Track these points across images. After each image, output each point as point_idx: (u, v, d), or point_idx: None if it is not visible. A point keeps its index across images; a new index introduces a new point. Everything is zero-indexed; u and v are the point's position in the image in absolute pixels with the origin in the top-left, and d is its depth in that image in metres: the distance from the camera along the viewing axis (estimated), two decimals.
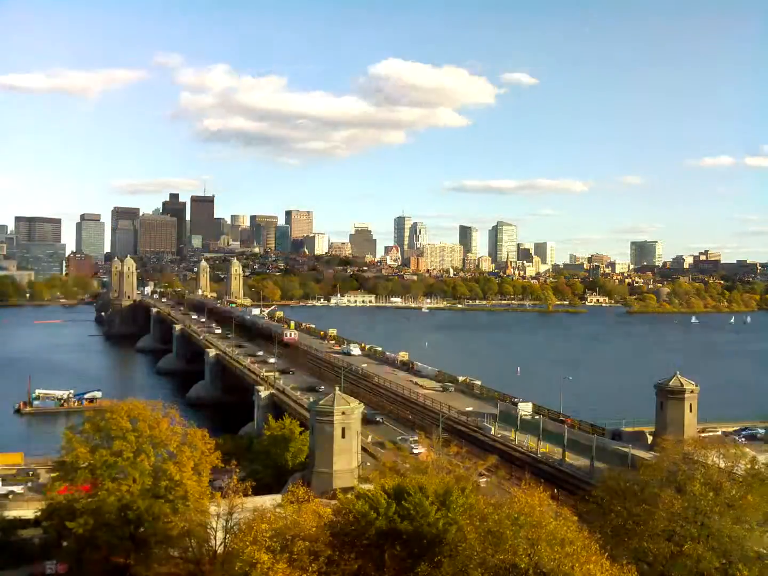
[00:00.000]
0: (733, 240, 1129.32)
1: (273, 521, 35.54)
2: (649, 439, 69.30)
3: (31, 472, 73.67)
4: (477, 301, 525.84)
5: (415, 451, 65.88)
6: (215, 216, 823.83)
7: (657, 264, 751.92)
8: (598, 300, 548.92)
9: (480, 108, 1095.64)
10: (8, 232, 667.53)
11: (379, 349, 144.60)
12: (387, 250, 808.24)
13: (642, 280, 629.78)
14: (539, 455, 67.35)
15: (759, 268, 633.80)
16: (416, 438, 71.16)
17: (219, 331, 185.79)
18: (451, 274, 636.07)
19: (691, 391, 66.97)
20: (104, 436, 49.16)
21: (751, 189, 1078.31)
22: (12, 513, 59.81)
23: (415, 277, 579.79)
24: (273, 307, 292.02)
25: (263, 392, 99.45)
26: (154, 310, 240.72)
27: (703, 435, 69.89)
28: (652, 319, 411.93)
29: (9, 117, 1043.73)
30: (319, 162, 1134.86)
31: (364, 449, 64.49)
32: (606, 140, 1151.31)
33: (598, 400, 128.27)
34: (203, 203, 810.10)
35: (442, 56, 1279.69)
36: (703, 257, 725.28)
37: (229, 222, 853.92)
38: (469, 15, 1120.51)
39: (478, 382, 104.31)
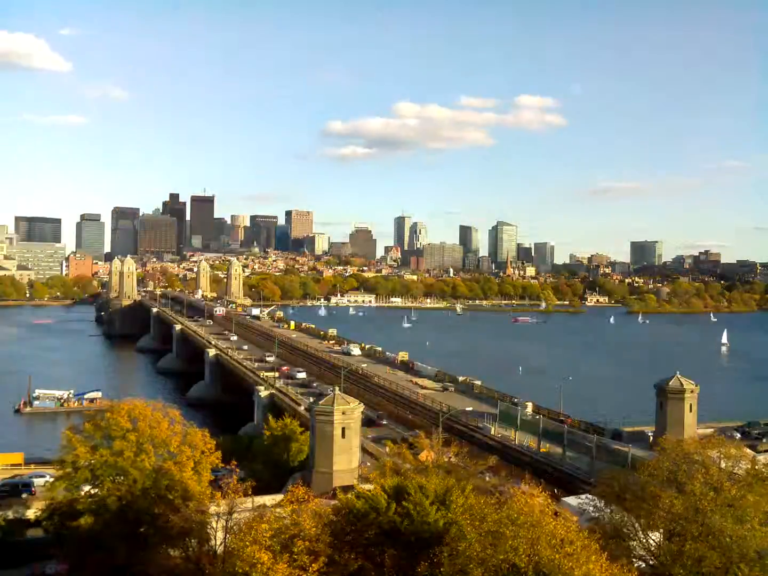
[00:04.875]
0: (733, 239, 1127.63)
1: (273, 521, 35.49)
2: (650, 439, 69.39)
3: None
4: (477, 302, 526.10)
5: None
6: (215, 216, 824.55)
7: (657, 264, 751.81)
8: (598, 300, 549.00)
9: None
10: (8, 232, 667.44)
11: (379, 349, 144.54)
12: (387, 250, 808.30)
13: (642, 280, 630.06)
14: (539, 455, 67.37)
15: (759, 268, 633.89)
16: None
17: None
18: (451, 274, 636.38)
19: (691, 391, 67.13)
20: (105, 435, 49.16)
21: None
22: (12, 513, 59.83)
23: (415, 277, 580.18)
24: (273, 307, 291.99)
25: (263, 392, 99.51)
26: (154, 310, 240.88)
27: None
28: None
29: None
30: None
31: (364, 449, 64.55)
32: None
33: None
34: (203, 203, 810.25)
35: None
36: (703, 257, 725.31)
37: (229, 222, 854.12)
38: None
39: (478, 382, 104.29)
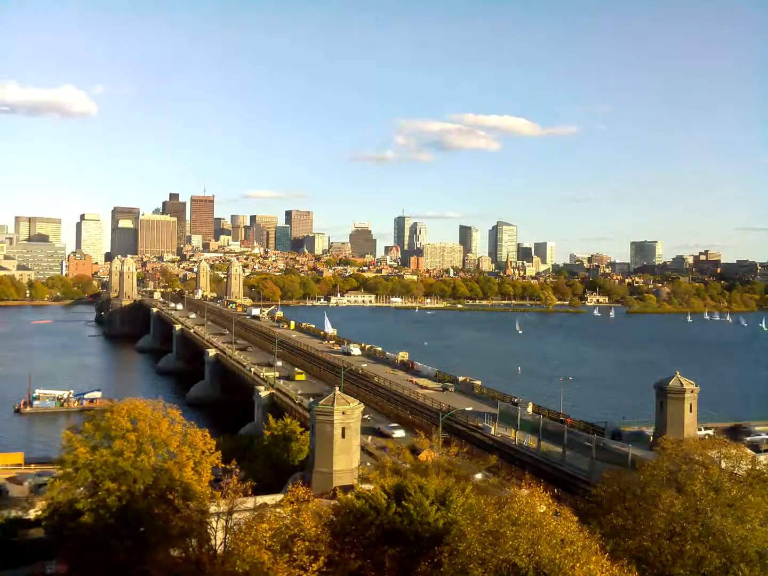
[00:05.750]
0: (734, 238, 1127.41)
1: (273, 521, 35.46)
2: (650, 439, 69.33)
3: None
4: (477, 301, 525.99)
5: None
6: (215, 216, 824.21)
7: (657, 264, 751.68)
8: (598, 300, 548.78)
9: None
10: (8, 232, 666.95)
11: (379, 348, 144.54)
12: (387, 250, 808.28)
13: (642, 280, 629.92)
14: (539, 455, 67.33)
15: (759, 267, 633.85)
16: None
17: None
18: (451, 274, 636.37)
19: (691, 391, 67.00)
20: (104, 435, 49.06)
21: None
22: (12, 513, 59.79)
23: (415, 277, 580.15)
24: (273, 307, 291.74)
25: (263, 392, 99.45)
26: (154, 310, 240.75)
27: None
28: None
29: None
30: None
31: (363, 449, 64.51)
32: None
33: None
34: (203, 203, 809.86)
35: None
36: (703, 257, 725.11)
37: (229, 222, 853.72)
38: None
39: (478, 382, 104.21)
